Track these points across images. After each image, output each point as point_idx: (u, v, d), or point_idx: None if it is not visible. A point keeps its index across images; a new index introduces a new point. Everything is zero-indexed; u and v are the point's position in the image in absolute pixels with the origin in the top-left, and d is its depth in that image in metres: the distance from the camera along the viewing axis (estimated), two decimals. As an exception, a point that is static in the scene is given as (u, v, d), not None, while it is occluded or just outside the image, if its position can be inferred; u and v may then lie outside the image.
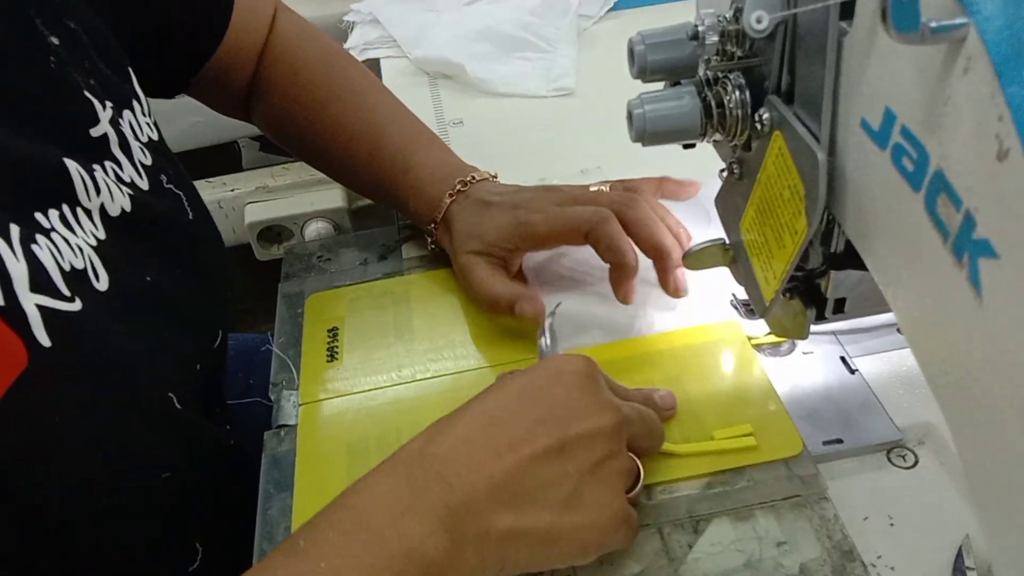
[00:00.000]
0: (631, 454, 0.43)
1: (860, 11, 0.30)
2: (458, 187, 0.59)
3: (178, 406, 0.44)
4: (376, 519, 0.36)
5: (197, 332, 0.49)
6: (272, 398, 0.54)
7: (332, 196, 1.06)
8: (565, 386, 0.40)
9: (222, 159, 1.51)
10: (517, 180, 0.73)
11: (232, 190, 1.07)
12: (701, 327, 0.55)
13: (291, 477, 0.49)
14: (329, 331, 0.59)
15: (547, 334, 0.50)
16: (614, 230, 0.53)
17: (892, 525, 0.44)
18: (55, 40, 0.44)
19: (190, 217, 0.51)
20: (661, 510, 0.46)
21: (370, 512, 0.36)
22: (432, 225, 0.60)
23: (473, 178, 0.60)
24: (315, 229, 1.05)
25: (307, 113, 0.66)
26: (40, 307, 0.37)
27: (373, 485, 0.37)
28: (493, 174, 0.62)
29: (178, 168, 0.53)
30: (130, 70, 0.51)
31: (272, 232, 1.06)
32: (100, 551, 0.40)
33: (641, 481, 0.43)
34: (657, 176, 0.62)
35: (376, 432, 0.51)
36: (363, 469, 0.46)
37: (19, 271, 0.36)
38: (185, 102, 1.13)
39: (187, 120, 1.12)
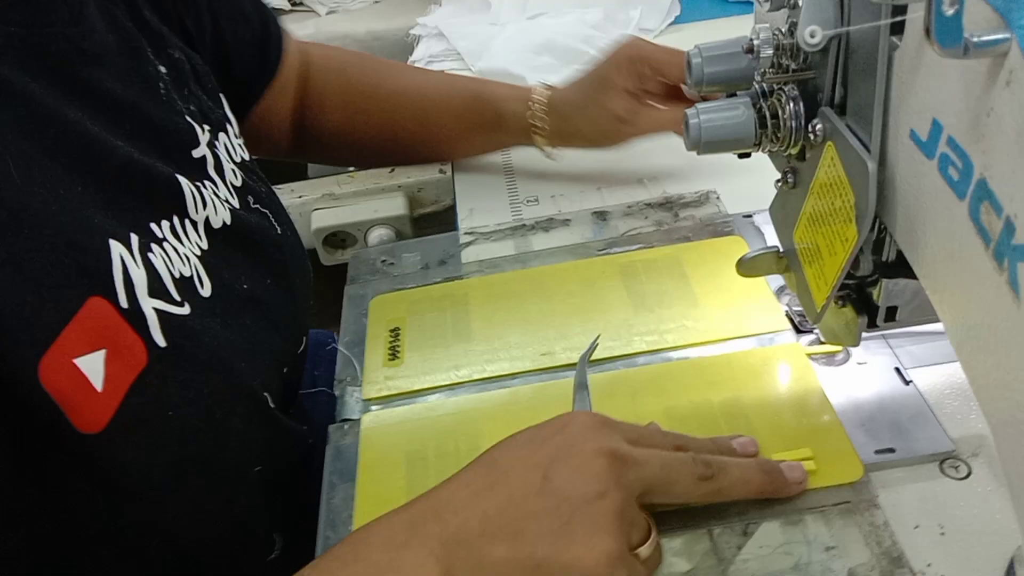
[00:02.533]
0: (645, 512, 0.42)
1: (910, 27, 0.31)
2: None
3: (271, 404, 0.48)
4: (374, 552, 0.38)
5: (285, 337, 0.52)
6: (337, 393, 0.57)
7: (395, 204, 1.09)
8: (569, 432, 0.41)
9: (289, 166, 1.56)
10: (576, 187, 0.75)
11: (300, 197, 1.11)
12: (761, 350, 0.55)
13: (354, 468, 0.51)
14: (391, 331, 0.61)
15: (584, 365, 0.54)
16: None
17: (943, 535, 0.45)
18: (163, 68, 0.48)
19: (278, 232, 0.54)
20: (711, 512, 0.46)
21: (371, 545, 0.39)
22: (531, 106, 0.68)
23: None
24: (378, 235, 1.08)
25: (366, 94, 0.72)
26: (157, 310, 0.40)
27: (379, 523, 0.40)
28: None
29: (267, 186, 0.57)
30: (221, 96, 0.55)
31: (337, 238, 1.09)
32: (192, 539, 0.43)
33: (652, 538, 0.42)
34: None
35: (434, 428, 0.53)
36: (419, 458, 0.50)
37: (139, 277, 0.40)
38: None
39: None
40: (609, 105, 0.66)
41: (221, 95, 0.55)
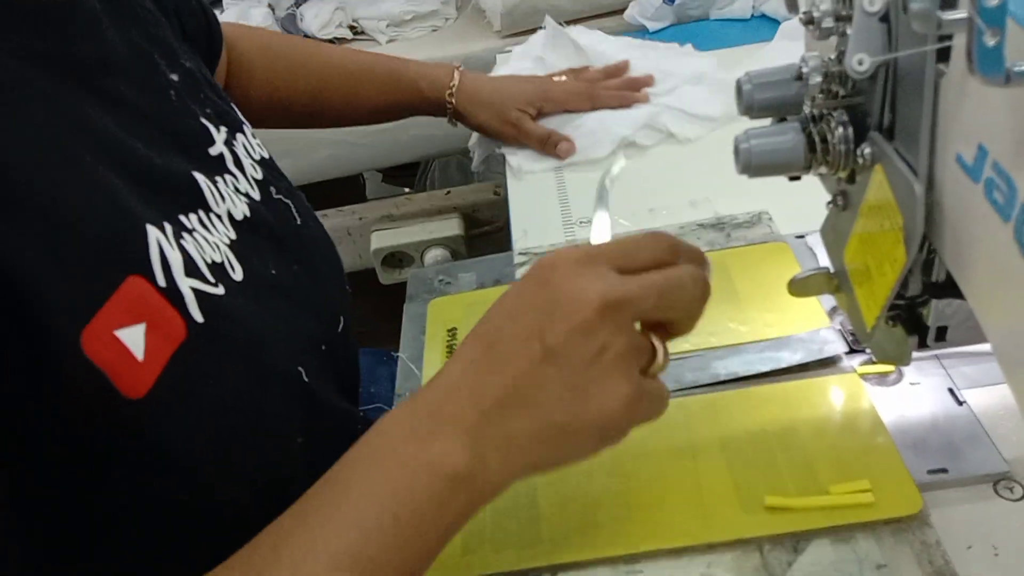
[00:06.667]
0: (651, 333, 0.42)
1: (955, 55, 0.32)
2: (460, 67, 0.89)
3: (306, 379, 0.50)
4: (400, 447, 0.39)
5: (319, 317, 0.55)
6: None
7: (450, 225, 1.12)
8: (553, 284, 0.41)
9: (348, 189, 1.61)
10: (628, 209, 0.76)
11: (360, 218, 1.15)
12: (818, 379, 0.55)
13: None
14: (448, 331, 0.65)
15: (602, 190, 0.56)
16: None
17: (997, 555, 0.44)
18: (175, 77, 0.53)
19: (298, 222, 0.58)
20: (761, 528, 0.47)
21: (394, 439, 0.40)
22: (448, 93, 0.87)
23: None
24: (434, 256, 1.11)
25: (293, 69, 0.84)
26: (194, 289, 0.43)
27: (395, 418, 0.41)
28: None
29: (287, 181, 0.61)
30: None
31: (395, 258, 1.13)
32: (240, 508, 0.44)
33: (659, 358, 0.42)
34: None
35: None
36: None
37: (175, 258, 0.43)
38: (319, 136, 1.21)
39: (321, 153, 1.20)
40: (508, 113, 0.88)
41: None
